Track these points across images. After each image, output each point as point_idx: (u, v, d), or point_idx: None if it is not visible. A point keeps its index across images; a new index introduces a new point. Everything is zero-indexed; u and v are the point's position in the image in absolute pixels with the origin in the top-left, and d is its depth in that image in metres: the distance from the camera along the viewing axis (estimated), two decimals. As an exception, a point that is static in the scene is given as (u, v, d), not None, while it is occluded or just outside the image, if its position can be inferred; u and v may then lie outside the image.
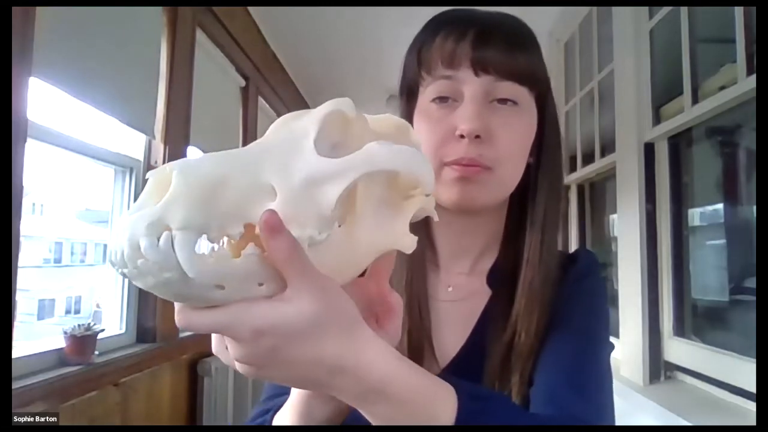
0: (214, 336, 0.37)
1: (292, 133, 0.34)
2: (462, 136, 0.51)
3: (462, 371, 0.54)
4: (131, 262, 0.29)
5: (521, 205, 0.58)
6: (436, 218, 0.40)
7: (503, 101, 0.53)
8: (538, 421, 0.43)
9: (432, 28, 0.55)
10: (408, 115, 0.58)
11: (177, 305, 0.33)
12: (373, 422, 0.37)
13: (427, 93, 0.55)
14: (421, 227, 0.57)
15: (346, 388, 0.35)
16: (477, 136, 0.50)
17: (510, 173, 0.54)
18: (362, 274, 0.40)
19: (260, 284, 0.32)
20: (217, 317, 0.32)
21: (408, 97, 0.58)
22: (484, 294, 0.58)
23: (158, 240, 0.28)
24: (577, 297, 0.55)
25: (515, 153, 0.53)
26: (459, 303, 0.59)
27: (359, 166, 0.33)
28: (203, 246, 0.30)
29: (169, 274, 0.29)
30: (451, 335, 0.57)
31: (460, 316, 0.58)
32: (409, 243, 0.37)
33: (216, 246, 0.31)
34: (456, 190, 0.52)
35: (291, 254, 0.31)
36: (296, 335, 0.32)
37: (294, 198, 0.31)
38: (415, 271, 0.56)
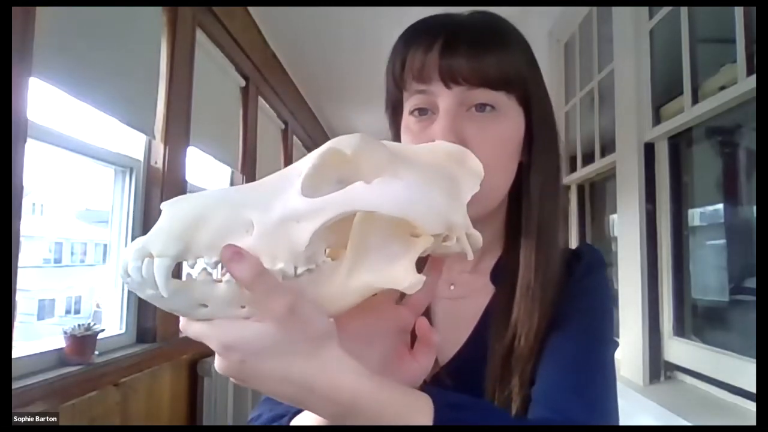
0: None
1: (289, 173, 0.37)
2: None
3: (461, 370, 0.54)
4: (124, 279, 0.35)
5: (519, 205, 0.57)
6: (470, 256, 0.40)
7: (481, 107, 0.52)
8: (529, 427, 0.43)
9: (402, 43, 0.54)
10: (396, 130, 0.58)
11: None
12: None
13: (407, 106, 0.55)
14: None
15: (318, 406, 0.37)
16: None
17: (494, 181, 0.52)
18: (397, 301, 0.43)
19: (243, 307, 0.35)
20: (199, 329, 0.36)
21: (392, 111, 0.59)
22: (487, 291, 0.58)
23: (142, 264, 0.34)
24: (580, 295, 0.54)
25: (496, 160, 0.52)
26: (461, 301, 0.58)
27: (335, 206, 0.35)
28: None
29: (151, 291, 0.34)
30: (452, 333, 0.56)
31: (462, 314, 0.57)
32: (411, 282, 0.36)
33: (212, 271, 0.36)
34: None
35: (254, 278, 0.33)
36: (261, 352, 0.34)
37: (268, 233, 0.34)
38: None
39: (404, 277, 0.36)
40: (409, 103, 0.54)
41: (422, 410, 0.37)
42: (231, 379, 0.37)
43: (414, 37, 0.54)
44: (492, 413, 0.43)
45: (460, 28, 0.53)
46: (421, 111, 0.53)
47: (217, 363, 0.36)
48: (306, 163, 0.37)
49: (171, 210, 0.35)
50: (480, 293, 0.58)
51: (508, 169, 0.54)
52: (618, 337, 1.87)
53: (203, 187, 2.57)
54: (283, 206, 0.35)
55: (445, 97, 0.51)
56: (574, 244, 2.61)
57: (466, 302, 0.58)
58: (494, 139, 0.52)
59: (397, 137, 0.58)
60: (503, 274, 0.57)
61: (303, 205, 0.34)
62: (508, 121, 0.53)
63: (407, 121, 0.55)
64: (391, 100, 0.58)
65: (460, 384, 0.52)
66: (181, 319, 0.36)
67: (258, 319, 0.34)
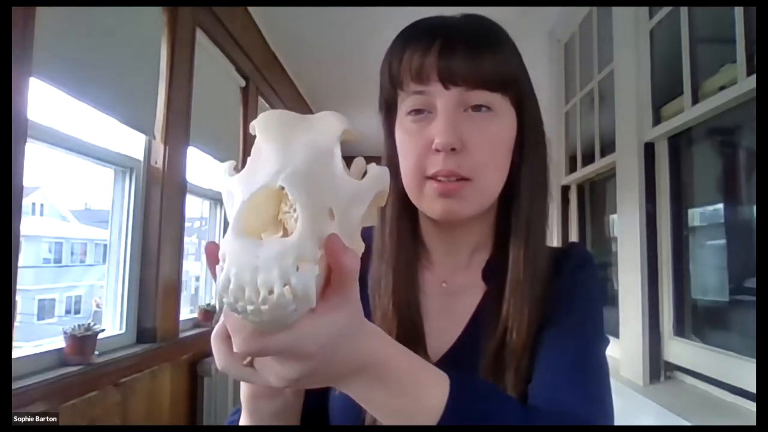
0: (220, 351, 0.36)
1: (319, 151, 0.35)
2: (438, 150, 0.51)
3: (454, 366, 0.54)
4: (281, 300, 0.29)
5: (508, 204, 0.58)
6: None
7: (477, 108, 0.53)
8: (534, 413, 0.44)
9: (399, 44, 0.55)
10: (389, 129, 0.58)
11: (246, 332, 0.32)
12: (369, 407, 0.39)
13: (403, 107, 0.55)
14: (411, 227, 0.59)
15: (357, 380, 0.37)
16: (453, 149, 0.51)
17: (490, 180, 0.54)
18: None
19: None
20: (287, 339, 0.32)
21: (386, 112, 0.59)
22: (479, 289, 0.59)
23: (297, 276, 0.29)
24: (572, 292, 0.55)
25: (493, 159, 0.54)
26: (453, 298, 0.59)
27: (374, 186, 0.36)
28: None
29: (296, 306, 0.29)
30: (445, 330, 0.57)
31: (455, 310, 0.58)
32: (361, 248, 0.39)
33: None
34: (439, 205, 0.53)
35: (354, 268, 0.33)
36: (348, 337, 0.35)
37: (343, 219, 0.34)
38: (402, 272, 0.57)
39: (359, 244, 0.39)
40: (406, 104, 0.55)
41: (439, 381, 0.39)
42: (280, 383, 0.35)
43: (411, 38, 0.54)
44: (504, 398, 0.44)
45: (456, 30, 0.54)
46: (418, 111, 0.54)
47: (295, 368, 0.34)
48: (330, 141, 0.35)
49: (308, 204, 0.31)
50: (472, 290, 0.59)
51: (503, 168, 0.55)
52: (618, 337, 1.87)
53: (203, 187, 2.57)
54: (346, 191, 0.34)
55: (443, 98, 0.52)
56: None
57: (458, 299, 0.59)
58: (491, 138, 0.53)
59: (390, 137, 0.58)
60: (494, 272, 0.57)
61: (356, 189, 0.35)
62: (504, 121, 0.54)
63: (403, 121, 0.55)
64: (385, 101, 0.59)
65: None
66: (253, 337, 0.31)
67: (337, 307, 0.33)
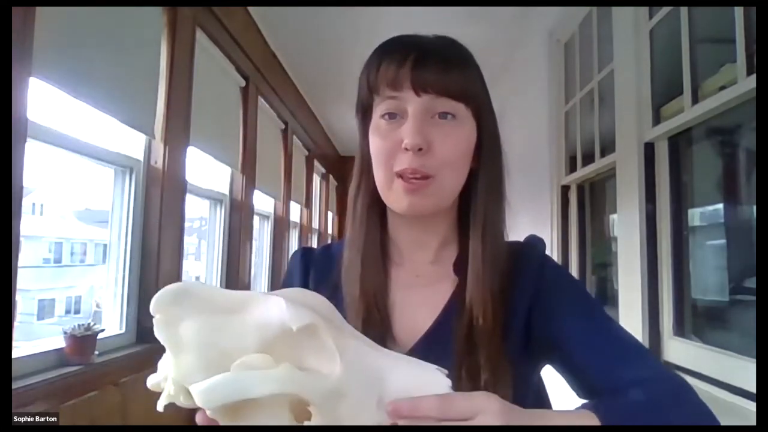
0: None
1: None
2: (407, 149, 0.58)
3: (429, 349, 0.60)
4: None
5: (468, 205, 0.65)
6: None
7: (443, 115, 0.60)
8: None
9: (376, 56, 0.63)
10: (364, 130, 0.66)
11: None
12: None
13: (377, 110, 0.62)
14: (379, 221, 0.66)
15: None
16: (420, 149, 0.58)
17: (450, 179, 0.61)
18: None
19: None
20: None
21: (363, 114, 0.66)
22: (451, 280, 0.65)
23: None
24: (563, 286, 0.63)
25: (454, 161, 0.60)
26: (427, 289, 0.66)
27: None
28: None
29: None
30: (419, 317, 0.63)
31: (429, 300, 0.64)
32: None
33: None
34: (405, 201, 0.60)
35: None
36: None
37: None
38: (371, 261, 0.64)
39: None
40: (380, 108, 0.61)
41: None
42: None
43: (388, 51, 0.62)
44: None
45: (429, 47, 0.61)
46: (391, 115, 0.61)
47: None
48: None
49: None
50: (445, 282, 0.65)
51: (463, 170, 0.63)
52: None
53: (203, 187, 2.57)
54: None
55: (414, 104, 0.59)
56: (574, 244, 2.61)
57: (430, 290, 0.65)
58: (454, 142, 0.60)
59: (365, 138, 0.65)
60: (463, 265, 0.64)
61: None
62: (465, 128, 0.62)
63: (377, 123, 0.62)
64: (362, 105, 0.65)
65: (429, 359, 0.56)
66: None
67: None
